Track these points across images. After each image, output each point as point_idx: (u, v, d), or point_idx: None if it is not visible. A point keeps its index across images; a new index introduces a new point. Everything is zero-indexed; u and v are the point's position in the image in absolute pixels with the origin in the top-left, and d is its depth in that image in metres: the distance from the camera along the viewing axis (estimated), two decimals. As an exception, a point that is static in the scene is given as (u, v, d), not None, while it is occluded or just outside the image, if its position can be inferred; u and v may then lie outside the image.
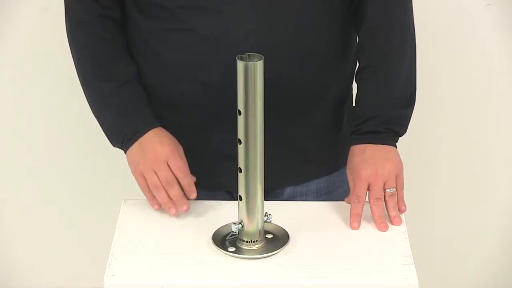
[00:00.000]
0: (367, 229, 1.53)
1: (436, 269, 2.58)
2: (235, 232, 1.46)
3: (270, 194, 1.68)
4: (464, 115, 2.38)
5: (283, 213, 1.55)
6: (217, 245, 1.46)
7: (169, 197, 1.55)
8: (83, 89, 1.65)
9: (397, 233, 1.52)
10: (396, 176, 1.58)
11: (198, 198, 1.61)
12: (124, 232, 1.52)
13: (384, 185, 1.56)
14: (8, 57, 2.34)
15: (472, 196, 2.49)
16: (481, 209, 2.50)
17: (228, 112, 1.53)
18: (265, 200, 1.49)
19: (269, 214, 1.48)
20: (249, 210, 1.44)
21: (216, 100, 1.57)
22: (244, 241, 1.46)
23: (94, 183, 2.49)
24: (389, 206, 1.56)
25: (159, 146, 1.57)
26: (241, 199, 1.44)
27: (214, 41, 1.54)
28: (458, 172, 2.45)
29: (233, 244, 1.46)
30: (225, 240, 1.47)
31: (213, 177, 1.64)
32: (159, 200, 1.56)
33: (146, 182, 1.57)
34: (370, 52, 1.62)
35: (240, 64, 1.36)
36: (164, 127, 1.61)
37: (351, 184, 1.60)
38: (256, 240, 1.46)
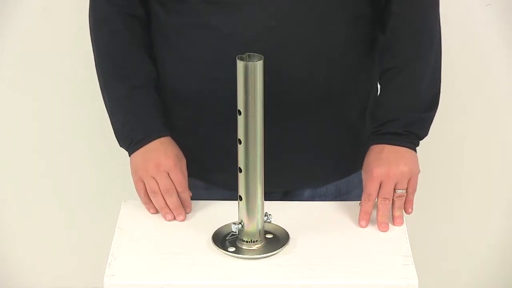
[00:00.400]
0: (367, 229, 1.53)
1: (436, 269, 2.58)
2: (235, 232, 1.46)
3: (290, 195, 1.68)
4: (462, 114, 2.38)
5: (283, 213, 1.55)
6: (217, 245, 1.46)
7: (166, 203, 1.56)
8: (99, 85, 1.66)
9: (397, 233, 1.52)
10: (409, 179, 1.57)
11: (216, 196, 1.61)
12: (124, 232, 1.52)
13: (395, 185, 1.56)
14: (8, 57, 2.34)
15: (472, 196, 2.48)
16: (482, 209, 2.50)
17: None
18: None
19: (269, 214, 1.48)
20: (249, 210, 1.44)
21: (233, 98, 1.57)
22: (244, 241, 1.46)
23: (94, 183, 2.49)
24: (395, 205, 1.56)
25: (163, 156, 1.58)
26: (241, 199, 1.44)
27: (232, 37, 1.53)
28: (457, 172, 2.45)
29: (233, 244, 1.46)
30: (225, 240, 1.47)
31: (230, 175, 1.64)
32: (156, 204, 1.57)
33: (144, 187, 1.58)
34: (394, 54, 1.60)
35: (240, 64, 1.36)
36: (180, 123, 1.62)
37: (364, 182, 1.60)
38: (256, 240, 1.46)
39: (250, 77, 1.36)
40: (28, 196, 2.51)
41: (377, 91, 1.70)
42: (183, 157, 1.61)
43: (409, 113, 1.60)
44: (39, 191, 2.50)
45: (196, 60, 1.57)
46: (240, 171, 1.42)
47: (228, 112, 1.57)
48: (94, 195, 2.50)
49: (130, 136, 1.61)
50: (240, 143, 1.40)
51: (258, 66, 1.36)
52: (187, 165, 1.64)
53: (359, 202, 1.58)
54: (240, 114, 1.39)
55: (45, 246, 2.57)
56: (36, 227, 2.54)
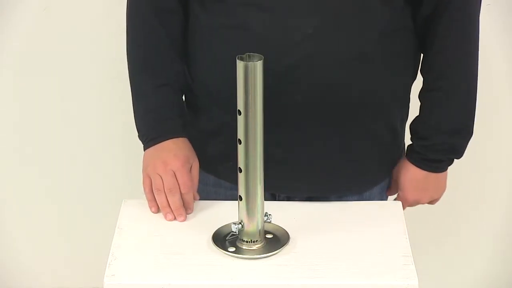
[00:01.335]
0: (367, 229, 1.53)
1: (436, 269, 2.58)
2: (235, 232, 1.46)
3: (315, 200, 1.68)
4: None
5: (283, 213, 1.55)
6: (217, 245, 1.46)
7: (168, 202, 1.57)
8: (128, 73, 1.66)
9: (397, 233, 1.52)
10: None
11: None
12: (124, 232, 1.52)
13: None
14: (8, 57, 2.34)
15: (472, 196, 2.48)
16: (482, 209, 2.50)
17: (278, 115, 1.53)
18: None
19: (269, 214, 1.48)
20: (249, 210, 1.44)
21: (267, 104, 1.55)
22: (244, 241, 1.46)
23: (94, 183, 2.49)
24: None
25: (172, 156, 1.58)
26: (241, 199, 1.44)
27: (270, 42, 1.51)
28: (458, 172, 2.45)
29: (233, 244, 1.46)
30: (225, 240, 1.47)
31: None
32: (158, 203, 1.57)
33: (150, 184, 1.58)
34: (440, 75, 1.61)
35: (240, 64, 1.36)
36: (214, 125, 1.62)
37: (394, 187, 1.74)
38: (256, 240, 1.46)
39: (250, 77, 1.36)
40: (28, 196, 2.51)
41: (408, 104, 1.70)
42: (196, 160, 1.62)
43: (454, 137, 1.64)
44: (39, 191, 2.50)
45: (232, 62, 1.55)
46: (240, 171, 1.42)
47: (267, 118, 1.56)
48: (94, 195, 2.50)
49: (147, 133, 1.62)
50: (240, 143, 1.40)
51: (258, 66, 1.36)
52: (219, 167, 1.65)
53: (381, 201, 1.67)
54: (240, 114, 1.39)
55: (45, 246, 2.57)
56: (36, 227, 2.54)
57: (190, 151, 1.62)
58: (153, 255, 1.44)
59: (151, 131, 1.62)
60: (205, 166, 1.66)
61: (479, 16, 1.60)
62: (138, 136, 1.66)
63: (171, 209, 1.56)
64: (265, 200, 1.60)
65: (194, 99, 1.67)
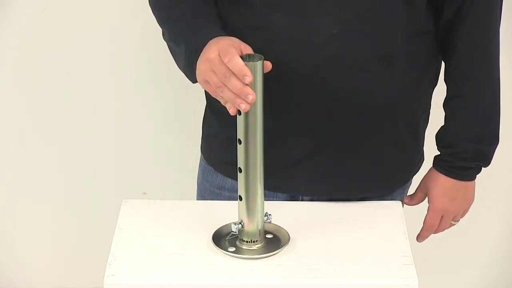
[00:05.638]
0: (367, 229, 1.53)
1: (436, 269, 2.58)
2: (235, 232, 1.46)
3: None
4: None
5: (283, 213, 1.55)
6: (217, 245, 1.46)
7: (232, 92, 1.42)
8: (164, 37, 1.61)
9: (397, 233, 1.52)
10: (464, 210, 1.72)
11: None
12: (124, 232, 1.52)
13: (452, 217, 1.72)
14: (8, 57, 2.34)
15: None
16: (482, 209, 2.50)
17: (302, 117, 1.52)
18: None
19: (269, 214, 1.48)
20: (249, 210, 1.44)
21: (291, 106, 1.54)
22: (244, 241, 1.46)
23: (94, 183, 2.49)
24: (439, 229, 1.73)
25: (208, 49, 1.45)
26: (241, 199, 1.44)
27: (295, 43, 1.50)
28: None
29: (233, 244, 1.46)
30: (225, 240, 1.47)
31: (279, 179, 1.61)
32: (225, 98, 1.43)
33: (212, 87, 1.46)
34: (462, 81, 1.60)
35: (240, 64, 1.36)
36: (234, 129, 1.48)
37: (418, 196, 1.73)
38: (256, 240, 1.46)
39: (250, 77, 1.36)
40: (28, 196, 2.51)
41: (429, 109, 1.69)
42: (235, 39, 1.46)
43: (479, 144, 1.62)
44: (39, 192, 2.50)
45: None
46: (240, 171, 1.42)
47: (288, 120, 1.55)
48: (94, 195, 2.50)
49: (189, 59, 1.51)
50: (240, 143, 1.40)
51: (258, 66, 1.36)
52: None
53: (383, 201, 1.64)
54: (240, 114, 1.39)
55: (45, 246, 2.58)
56: (36, 227, 2.54)
57: (225, 38, 1.46)
58: (153, 255, 1.44)
59: (189, 53, 1.50)
60: (223, 170, 1.65)
61: (500, 22, 1.59)
62: (188, 72, 1.54)
63: (238, 97, 1.40)
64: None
65: (216, 102, 1.63)
